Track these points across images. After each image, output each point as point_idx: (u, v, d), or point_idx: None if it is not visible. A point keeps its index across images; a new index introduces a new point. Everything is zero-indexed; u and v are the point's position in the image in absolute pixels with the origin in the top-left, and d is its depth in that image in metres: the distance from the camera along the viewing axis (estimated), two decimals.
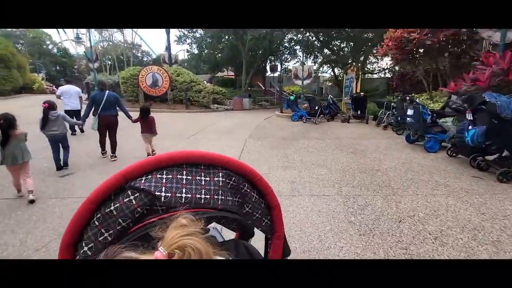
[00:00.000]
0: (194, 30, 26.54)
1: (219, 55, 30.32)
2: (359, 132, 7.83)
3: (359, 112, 9.61)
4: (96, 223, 0.56)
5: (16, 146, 3.34)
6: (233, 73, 36.83)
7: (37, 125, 4.24)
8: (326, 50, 30.43)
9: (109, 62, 33.97)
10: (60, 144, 4.48)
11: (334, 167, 4.65)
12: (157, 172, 0.59)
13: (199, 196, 0.60)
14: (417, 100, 7.95)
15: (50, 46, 54.20)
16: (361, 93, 9.52)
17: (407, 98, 8.83)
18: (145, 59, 49.84)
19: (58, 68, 53.65)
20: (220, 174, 0.65)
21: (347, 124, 9.48)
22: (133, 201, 0.56)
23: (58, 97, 7.24)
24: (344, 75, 15.77)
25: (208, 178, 0.63)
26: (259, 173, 0.71)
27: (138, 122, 5.06)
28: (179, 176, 0.61)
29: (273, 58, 34.21)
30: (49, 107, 4.23)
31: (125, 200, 0.56)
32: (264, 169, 4.59)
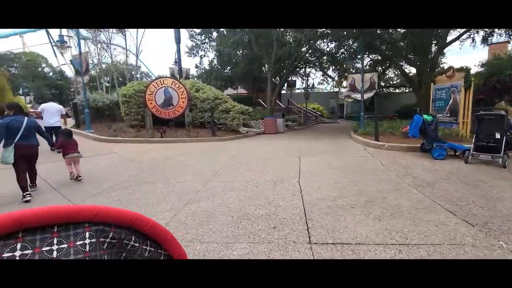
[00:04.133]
0: (210, 38, 22.60)
1: (234, 69, 26.21)
2: None
3: None
4: None
5: None
6: (244, 91, 32.70)
7: None
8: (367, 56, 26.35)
9: (107, 84, 29.69)
10: None
11: None
12: None
13: None
14: None
15: (46, 69, 50.94)
16: None
17: None
18: (144, 80, 45.80)
19: (53, 91, 50.10)
20: (87, 234, 0.45)
21: None
22: None
23: (39, 114, 7.44)
24: (432, 84, 11.43)
25: (65, 245, 0.42)
26: (151, 219, 0.51)
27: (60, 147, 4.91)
28: (6, 255, 0.38)
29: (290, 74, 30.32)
30: None
31: None
32: None
